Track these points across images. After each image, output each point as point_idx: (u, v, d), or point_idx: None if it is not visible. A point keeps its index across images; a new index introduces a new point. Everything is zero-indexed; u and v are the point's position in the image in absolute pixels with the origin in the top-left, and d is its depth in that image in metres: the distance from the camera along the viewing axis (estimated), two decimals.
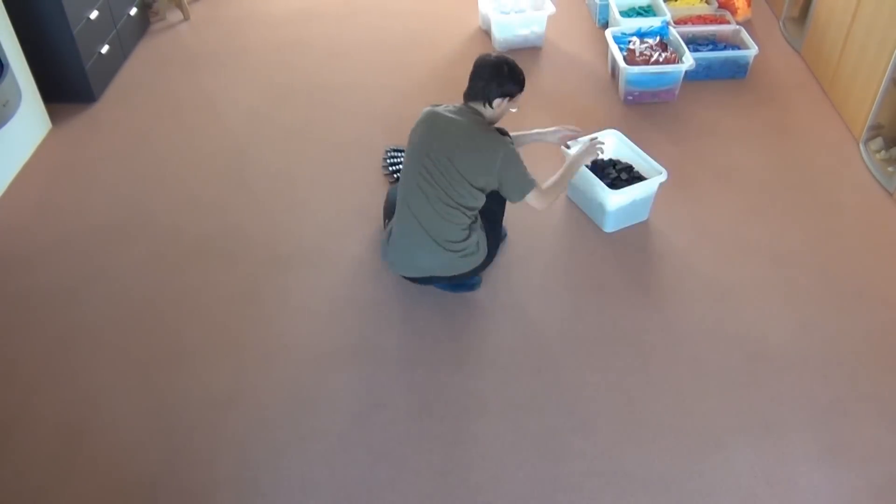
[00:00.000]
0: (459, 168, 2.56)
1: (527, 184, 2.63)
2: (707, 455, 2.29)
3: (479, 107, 2.65)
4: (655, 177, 3.00)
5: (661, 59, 3.70)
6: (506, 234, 3.05)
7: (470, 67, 2.64)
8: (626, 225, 3.07)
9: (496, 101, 2.62)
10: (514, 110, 2.71)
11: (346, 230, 3.10)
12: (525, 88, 2.68)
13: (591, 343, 2.63)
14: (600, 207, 3.01)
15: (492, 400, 2.46)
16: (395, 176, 3.30)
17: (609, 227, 3.05)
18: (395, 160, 3.37)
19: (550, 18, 4.15)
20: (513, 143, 2.68)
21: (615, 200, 2.93)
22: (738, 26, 4.06)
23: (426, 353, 2.60)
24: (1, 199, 3.27)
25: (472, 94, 2.65)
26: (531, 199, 2.66)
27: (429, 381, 2.51)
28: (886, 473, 2.25)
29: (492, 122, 2.69)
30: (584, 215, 3.13)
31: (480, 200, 2.65)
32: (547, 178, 2.75)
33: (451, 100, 2.76)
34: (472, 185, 2.58)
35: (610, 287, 2.83)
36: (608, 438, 2.34)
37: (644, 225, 3.08)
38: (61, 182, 3.36)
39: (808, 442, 2.33)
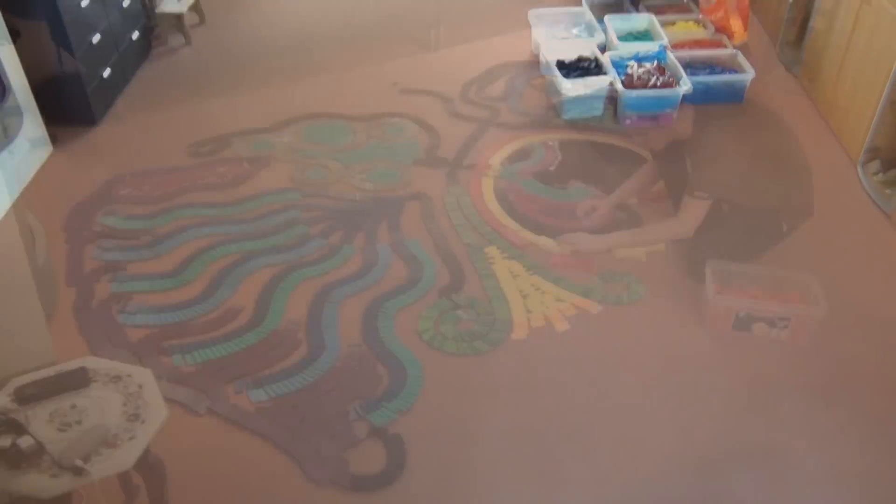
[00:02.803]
0: None
1: None
2: (708, 481, 2.28)
3: None
4: None
5: (658, 83, 3.72)
6: None
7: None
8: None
9: None
10: None
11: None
12: None
13: (592, 367, 2.62)
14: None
15: (490, 425, 2.44)
16: None
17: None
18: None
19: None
20: None
21: None
22: (734, 50, 4.08)
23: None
24: (2, 221, 3.27)
25: None
26: None
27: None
28: (889, 499, 2.23)
29: None
30: None
31: None
32: None
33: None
34: None
35: (611, 303, 2.83)
36: (609, 465, 2.33)
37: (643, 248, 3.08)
38: (61, 205, 3.36)
39: (810, 467, 2.31)
